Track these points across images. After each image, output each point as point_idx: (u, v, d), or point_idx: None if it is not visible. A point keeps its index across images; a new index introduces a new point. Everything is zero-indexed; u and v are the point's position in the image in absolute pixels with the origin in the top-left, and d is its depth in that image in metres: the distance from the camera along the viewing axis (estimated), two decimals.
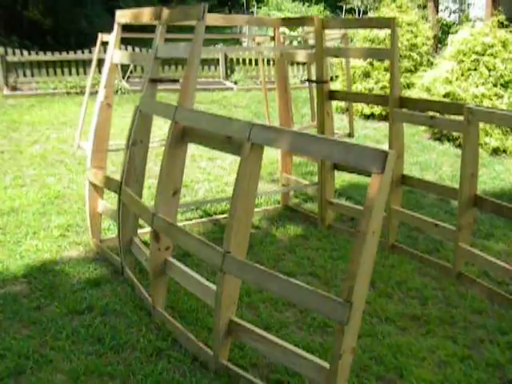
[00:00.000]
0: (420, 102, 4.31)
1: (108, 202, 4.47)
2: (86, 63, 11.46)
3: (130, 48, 11.03)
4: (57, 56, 11.29)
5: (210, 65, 13.06)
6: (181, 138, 3.15)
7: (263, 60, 13.45)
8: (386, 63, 9.21)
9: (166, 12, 3.54)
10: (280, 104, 5.16)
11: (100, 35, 4.35)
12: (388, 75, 9.17)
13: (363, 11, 19.07)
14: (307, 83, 12.58)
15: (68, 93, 10.63)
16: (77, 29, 13.74)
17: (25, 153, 6.96)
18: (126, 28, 4.23)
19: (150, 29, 4.30)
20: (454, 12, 14.51)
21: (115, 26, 4.11)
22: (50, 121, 8.62)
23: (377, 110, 9.19)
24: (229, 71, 13.21)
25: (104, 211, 4.28)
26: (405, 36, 9.09)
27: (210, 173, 6.54)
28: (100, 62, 11.55)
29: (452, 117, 4.78)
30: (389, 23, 4.09)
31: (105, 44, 4.73)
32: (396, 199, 4.47)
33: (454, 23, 14.31)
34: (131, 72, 11.61)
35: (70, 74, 11.46)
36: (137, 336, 3.14)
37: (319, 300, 2.33)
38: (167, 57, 3.59)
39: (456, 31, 13.60)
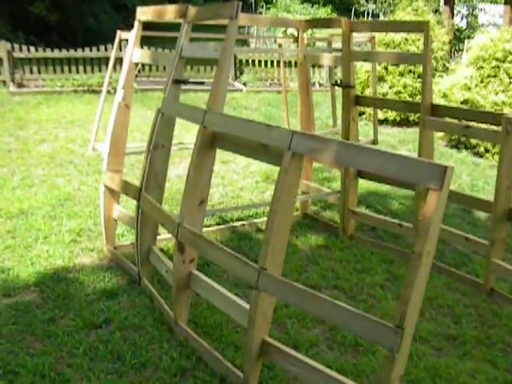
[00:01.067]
0: (453, 110, 4.13)
1: (122, 207, 4.29)
2: (93, 61, 11.28)
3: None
4: (64, 53, 11.09)
5: None
6: (209, 144, 2.97)
7: (273, 62, 13.31)
8: (401, 68, 9.05)
9: (192, 10, 3.36)
10: (302, 108, 4.98)
11: (119, 32, 4.15)
12: (402, 80, 9.04)
13: (375, 14, 18.88)
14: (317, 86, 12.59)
15: (75, 91, 10.44)
16: (84, 26, 13.51)
17: (33, 152, 6.78)
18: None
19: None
20: (466, 17, 14.36)
21: (135, 24, 3.92)
22: (57, 119, 8.44)
23: (390, 115, 9.02)
24: (238, 72, 13.03)
25: (120, 217, 4.10)
26: (421, 40, 8.90)
27: (223, 177, 6.35)
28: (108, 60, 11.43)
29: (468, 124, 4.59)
30: (422, 27, 3.92)
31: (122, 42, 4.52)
32: None
33: (465, 29, 14.14)
34: (139, 71, 11.42)
35: (78, 71, 11.25)
36: (159, 353, 2.95)
37: (367, 325, 2.14)
38: (193, 56, 3.41)
39: (468, 36, 13.47)
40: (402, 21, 6.59)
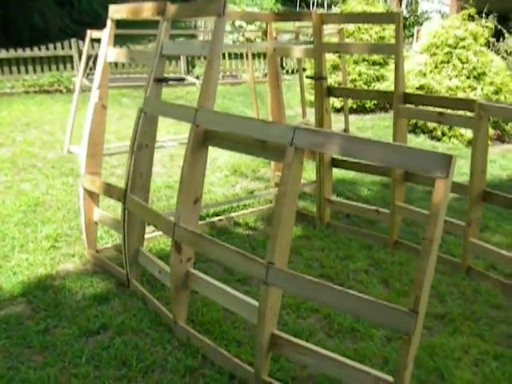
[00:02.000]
0: (425, 98, 4.27)
1: (102, 209, 4.20)
2: (43, 60, 10.91)
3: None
4: (12, 53, 10.66)
5: (171, 59, 12.70)
6: (202, 142, 2.96)
7: (224, 54, 13.24)
8: (355, 56, 9.22)
9: (172, 7, 3.32)
10: (272, 101, 5.02)
11: (89, 32, 4.02)
12: (357, 68, 9.22)
13: (320, 4, 19.05)
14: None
15: (26, 92, 10.06)
16: (29, 23, 12.96)
17: None
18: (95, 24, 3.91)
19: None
20: (411, 4, 14.76)
21: (108, 22, 3.84)
22: (11, 122, 8.11)
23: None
24: (190, 66, 12.91)
25: (101, 220, 4.02)
26: (373, 29, 9.11)
27: None
28: (60, 59, 11.05)
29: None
30: (393, 18, 4.02)
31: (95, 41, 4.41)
32: (400, 195, 4.43)
33: (409, 16, 14.52)
34: (90, 69, 11.12)
35: (27, 71, 10.85)
36: (163, 355, 2.94)
37: (383, 311, 2.22)
38: (175, 54, 3.38)
39: (413, 24, 13.86)
40: (373, 12, 6.74)
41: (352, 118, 9.56)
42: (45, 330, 3.14)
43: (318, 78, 4.43)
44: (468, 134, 7.32)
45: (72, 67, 11.18)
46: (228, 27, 15.32)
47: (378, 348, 3.08)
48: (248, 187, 5.98)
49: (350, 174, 6.22)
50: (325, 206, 4.85)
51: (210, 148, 3.02)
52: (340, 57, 9.34)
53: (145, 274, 3.76)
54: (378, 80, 9.19)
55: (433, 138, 7.82)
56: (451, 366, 2.95)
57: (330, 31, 5.32)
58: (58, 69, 11.08)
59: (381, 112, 9.50)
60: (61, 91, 10.32)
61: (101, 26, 5.12)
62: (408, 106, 4.12)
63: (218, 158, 6.93)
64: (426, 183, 4.55)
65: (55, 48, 11.00)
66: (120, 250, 4.06)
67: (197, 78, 12.52)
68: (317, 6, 19.64)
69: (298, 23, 5.30)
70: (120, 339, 3.06)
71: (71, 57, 11.10)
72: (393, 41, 9.45)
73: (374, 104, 9.31)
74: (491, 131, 7.74)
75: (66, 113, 8.49)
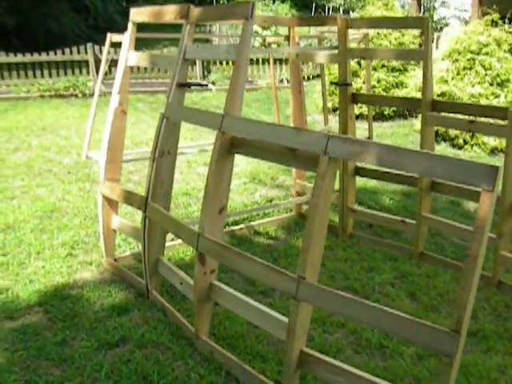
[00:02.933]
0: (455, 105, 4.13)
1: (121, 217, 4.11)
2: (58, 65, 10.90)
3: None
4: (28, 57, 10.69)
5: None
6: (228, 149, 2.85)
7: (255, 60, 13.16)
8: (374, 62, 9.09)
9: (195, 10, 3.23)
10: (294, 107, 4.90)
11: (109, 35, 3.90)
12: (376, 74, 9.09)
13: (336, 9, 18.97)
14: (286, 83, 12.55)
15: (42, 96, 10.04)
16: (44, 28, 12.99)
17: (7, 161, 6.46)
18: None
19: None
20: (428, 10, 14.60)
21: (129, 26, 3.75)
22: (28, 126, 8.08)
23: (365, 110, 9.04)
24: (205, 71, 12.86)
25: (120, 228, 3.93)
26: (393, 35, 8.98)
27: None
28: (77, 64, 11.07)
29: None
30: (421, 23, 3.89)
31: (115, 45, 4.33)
32: (426, 206, 4.29)
33: None
34: (106, 74, 11.10)
35: (42, 76, 10.86)
36: (185, 371, 2.82)
37: (423, 331, 2.09)
38: (199, 58, 3.28)
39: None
40: (399, 17, 6.61)
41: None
42: (63, 342, 3.04)
43: (343, 84, 4.31)
44: (491, 142, 7.15)
45: (88, 72, 11.17)
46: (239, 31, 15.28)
47: (408, 366, 2.94)
48: (267, 195, 5.87)
49: (371, 183, 6.09)
50: (348, 216, 4.72)
51: None
52: (360, 63, 9.29)
53: (164, 284, 3.66)
54: (397, 87, 9.05)
55: (454, 145, 7.66)
56: None
57: (350, 36, 5.18)
58: (73, 73, 11.09)
59: (400, 119, 9.35)
60: (76, 96, 10.31)
61: (116, 31, 5.05)
62: (436, 113, 3.98)
63: (237, 164, 6.81)
64: (453, 193, 4.40)
65: (71, 53, 11.01)
66: (138, 258, 3.98)
67: (212, 83, 12.46)
68: (333, 11, 19.54)
69: (319, 28, 5.20)
70: (140, 353, 2.95)
71: (87, 61, 11.09)
72: (412, 46, 9.37)
73: (393, 111, 9.16)
74: None
75: (82, 117, 8.47)
